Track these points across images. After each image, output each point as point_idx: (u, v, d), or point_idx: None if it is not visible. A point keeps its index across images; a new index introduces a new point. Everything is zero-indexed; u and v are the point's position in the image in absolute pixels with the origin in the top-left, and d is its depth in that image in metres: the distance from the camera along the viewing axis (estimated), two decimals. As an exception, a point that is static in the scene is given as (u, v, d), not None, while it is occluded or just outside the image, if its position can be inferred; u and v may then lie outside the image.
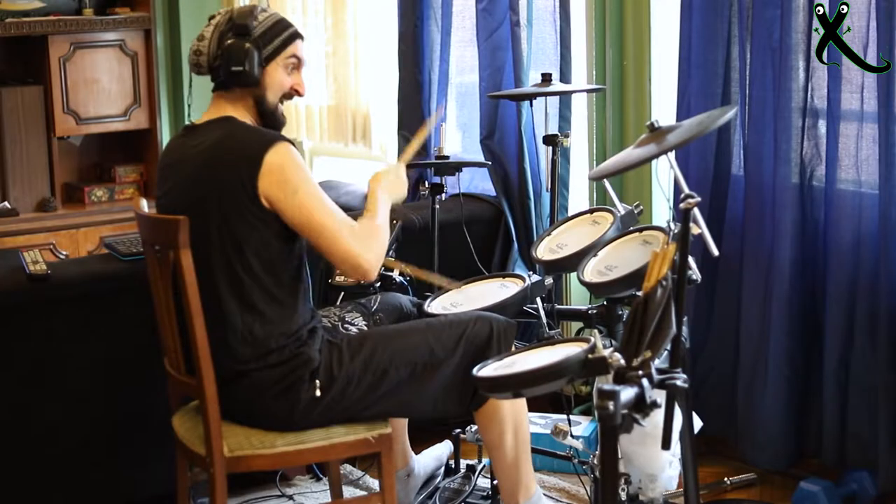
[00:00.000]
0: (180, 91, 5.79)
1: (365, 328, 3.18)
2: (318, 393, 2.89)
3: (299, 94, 3.07)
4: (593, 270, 3.08)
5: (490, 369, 2.59)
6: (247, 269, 2.87)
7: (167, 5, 5.74)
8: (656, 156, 2.77)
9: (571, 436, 3.09)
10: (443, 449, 3.69)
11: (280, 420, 2.91)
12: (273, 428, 2.91)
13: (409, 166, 3.34)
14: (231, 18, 2.99)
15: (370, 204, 3.06)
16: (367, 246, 2.92)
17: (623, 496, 2.72)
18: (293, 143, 2.92)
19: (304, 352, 2.90)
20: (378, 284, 3.42)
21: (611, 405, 2.07)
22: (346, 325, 3.16)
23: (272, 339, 2.89)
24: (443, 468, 3.66)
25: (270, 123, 3.03)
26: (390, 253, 3.47)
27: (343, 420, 2.95)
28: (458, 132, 4.65)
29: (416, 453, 3.57)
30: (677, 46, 3.77)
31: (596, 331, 3.26)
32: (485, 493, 3.50)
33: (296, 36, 3.03)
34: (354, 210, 4.51)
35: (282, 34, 3.00)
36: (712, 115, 2.87)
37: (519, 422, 3.09)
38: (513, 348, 3.01)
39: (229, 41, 2.95)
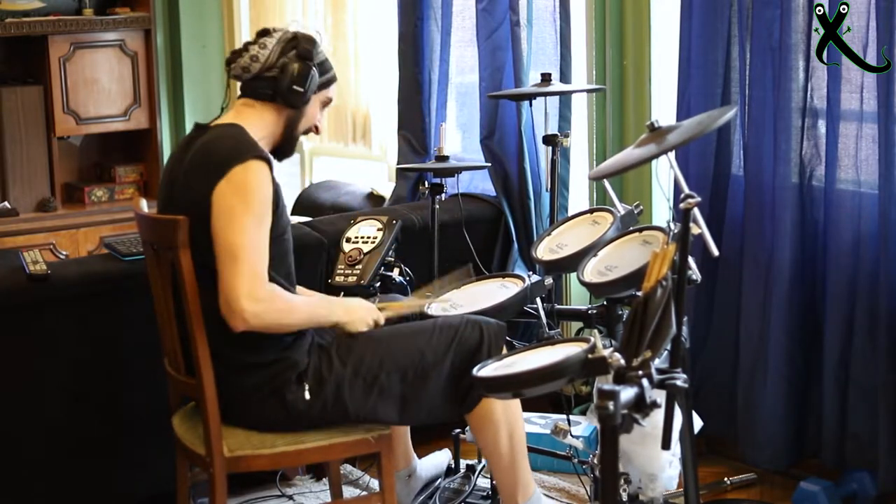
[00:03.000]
0: (180, 91, 5.79)
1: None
2: (307, 395, 2.89)
3: (317, 133, 3.13)
4: (593, 270, 3.08)
5: (490, 369, 2.59)
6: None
7: (167, 5, 5.74)
8: (656, 156, 2.77)
9: (571, 435, 3.09)
10: (442, 457, 3.69)
11: (274, 423, 2.91)
12: (270, 430, 2.91)
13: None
14: (296, 38, 3.01)
15: (326, 299, 3.10)
16: (260, 300, 2.76)
17: (623, 496, 2.72)
18: (270, 166, 2.88)
19: (289, 356, 2.91)
20: (378, 285, 3.42)
21: (611, 405, 2.07)
22: None
23: (255, 343, 2.88)
24: (442, 475, 3.65)
25: (286, 149, 3.06)
26: (390, 254, 3.47)
27: (339, 424, 2.95)
28: (458, 132, 4.65)
29: (418, 457, 3.57)
30: (677, 46, 3.77)
31: (596, 331, 3.26)
32: (485, 493, 3.50)
33: (335, 79, 3.12)
34: (354, 210, 4.53)
35: (329, 72, 3.08)
36: (712, 116, 2.87)
37: (513, 423, 3.09)
38: (503, 350, 3.00)
39: (293, 60, 2.97)
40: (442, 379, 2.99)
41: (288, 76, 2.96)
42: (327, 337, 3.02)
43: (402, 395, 2.97)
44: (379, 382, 2.95)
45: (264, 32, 3.04)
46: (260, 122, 2.98)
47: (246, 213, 2.80)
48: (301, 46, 3.00)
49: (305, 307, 2.97)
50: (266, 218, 2.84)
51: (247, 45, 3.02)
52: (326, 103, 3.12)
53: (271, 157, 2.93)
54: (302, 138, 3.15)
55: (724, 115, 2.84)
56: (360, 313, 3.02)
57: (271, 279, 2.85)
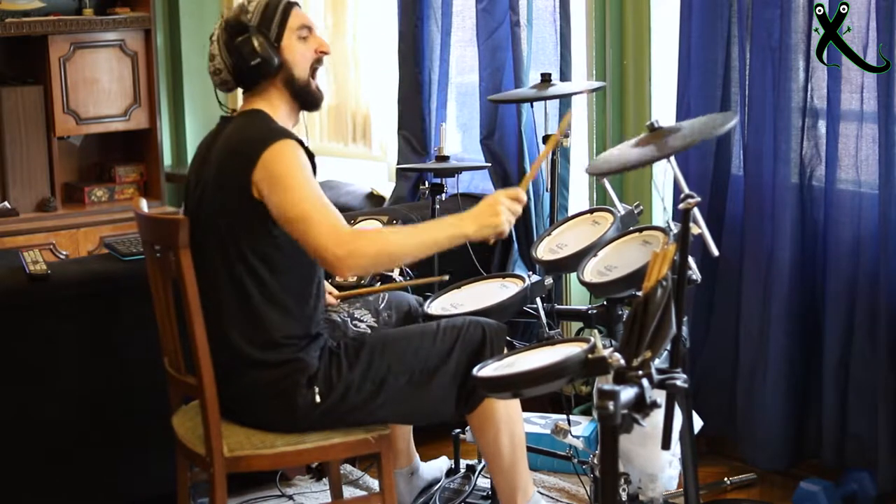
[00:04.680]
0: (180, 91, 5.79)
1: (374, 324, 3.19)
2: (317, 399, 2.89)
3: (325, 54, 3.02)
4: (593, 270, 3.08)
5: (490, 369, 2.59)
6: (248, 267, 2.87)
7: (167, 5, 5.74)
8: (656, 159, 2.77)
9: (572, 435, 3.09)
10: (441, 464, 3.69)
11: (278, 423, 2.91)
12: (272, 429, 2.92)
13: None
14: (226, 23, 2.97)
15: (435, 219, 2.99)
16: (347, 241, 2.78)
17: (623, 496, 2.72)
18: (300, 141, 2.89)
19: (302, 357, 2.91)
20: (378, 285, 3.42)
21: (611, 405, 2.07)
22: (355, 322, 3.17)
23: (270, 342, 2.89)
24: (442, 478, 3.65)
25: (309, 101, 3.01)
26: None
27: (343, 426, 2.95)
28: (458, 132, 4.65)
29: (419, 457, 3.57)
30: (677, 46, 3.77)
31: (596, 331, 3.26)
32: (485, 493, 3.50)
33: (290, 5, 2.98)
34: (354, 210, 4.53)
35: (277, 10, 2.95)
36: (714, 120, 2.87)
37: (514, 424, 3.08)
38: (504, 350, 3.01)
39: (235, 43, 2.92)
40: (446, 379, 2.99)
41: (242, 61, 2.92)
42: (338, 332, 3.02)
43: (408, 397, 2.97)
44: (386, 385, 2.95)
45: (210, 40, 3.03)
46: (271, 104, 2.98)
47: (296, 181, 2.81)
48: (232, 26, 2.94)
49: (406, 230, 2.91)
50: (314, 178, 2.84)
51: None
52: (304, 31, 2.98)
53: (299, 137, 2.92)
54: (305, 140, 3.11)
55: (726, 122, 2.84)
56: (484, 217, 2.90)
57: (265, 288, 2.88)
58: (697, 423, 2.84)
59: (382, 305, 3.25)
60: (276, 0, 2.98)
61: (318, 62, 3.01)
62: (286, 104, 2.99)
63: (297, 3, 3.02)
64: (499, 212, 2.91)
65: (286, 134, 2.89)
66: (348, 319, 3.17)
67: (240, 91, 3.04)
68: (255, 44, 2.91)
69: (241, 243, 2.87)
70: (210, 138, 3.03)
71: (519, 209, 2.94)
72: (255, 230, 2.86)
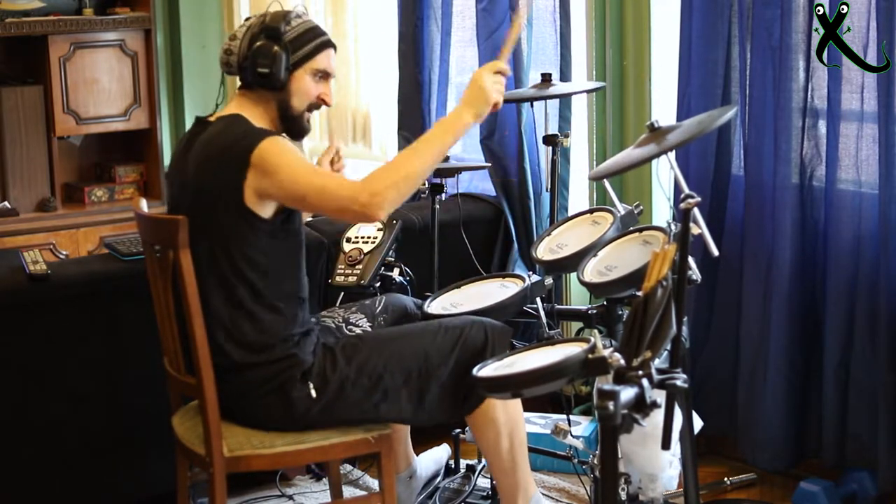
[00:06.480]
0: (180, 91, 5.79)
1: (369, 328, 3.18)
2: (312, 393, 2.89)
3: (326, 104, 3.06)
4: (593, 270, 3.08)
5: (490, 369, 2.59)
6: (237, 273, 2.87)
7: (167, 5, 5.74)
8: (656, 156, 2.77)
9: (571, 436, 3.09)
10: (441, 452, 3.69)
11: (276, 420, 2.91)
12: (270, 427, 2.91)
13: None
14: (264, 20, 2.98)
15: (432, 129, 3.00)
16: (363, 189, 2.81)
17: (623, 496, 2.72)
18: (280, 134, 2.92)
19: (296, 353, 2.91)
20: (378, 285, 3.42)
21: (611, 405, 2.07)
22: (350, 327, 3.16)
23: (262, 341, 2.89)
24: (442, 470, 3.66)
25: (294, 130, 3.03)
26: (390, 254, 3.47)
27: (341, 424, 2.95)
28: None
29: (416, 454, 3.57)
30: (677, 46, 3.77)
31: (596, 331, 3.26)
32: (485, 493, 3.50)
33: (326, 45, 3.02)
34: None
35: (312, 42, 2.99)
36: (712, 115, 2.87)
37: (514, 425, 3.08)
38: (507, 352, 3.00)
39: (259, 42, 2.94)
40: (445, 380, 2.98)
41: (252, 61, 2.94)
42: (332, 338, 3.02)
43: (406, 396, 2.97)
44: (383, 382, 2.94)
45: (245, 20, 3.04)
46: (256, 110, 2.99)
47: (294, 163, 2.84)
48: (268, 27, 2.96)
49: (414, 148, 2.93)
50: (296, 156, 2.86)
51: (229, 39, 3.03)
52: (321, 74, 3.02)
53: (283, 135, 2.95)
54: (305, 140, 3.13)
55: (723, 114, 2.84)
56: (478, 102, 2.94)
57: (254, 289, 2.88)
58: (697, 423, 2.84)
59: (379, 309, 3.25)
60: (317, 33, 3.01)
61: (315, 106, 3.04)
62: (270, 120, 3.01)
63: (334, 48, 3.05)
64: (487, 90, 2.95)
65: (267, 132, 2.91)
66: (343, 325, 3.17)
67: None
68: (273, 56, 2.92)
69: (230, 248, 2.87)
70: (185, 144, 3.02)
71: (504, 80, 3.00)
72: (243, 236, 2.86)
